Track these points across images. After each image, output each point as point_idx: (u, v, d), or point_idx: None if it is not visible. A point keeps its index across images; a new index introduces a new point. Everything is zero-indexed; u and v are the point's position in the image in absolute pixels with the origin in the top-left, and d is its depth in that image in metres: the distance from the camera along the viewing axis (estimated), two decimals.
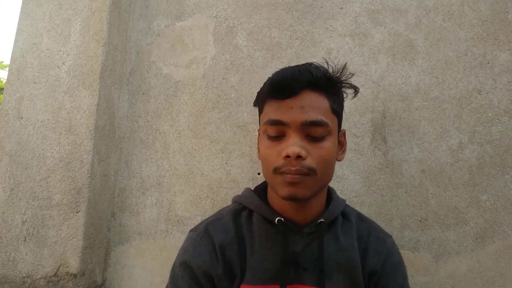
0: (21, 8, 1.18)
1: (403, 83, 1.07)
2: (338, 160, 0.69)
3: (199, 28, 1.19)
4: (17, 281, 0.99)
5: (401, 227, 0.99)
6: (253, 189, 0.76)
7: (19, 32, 1.16)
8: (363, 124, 1.06)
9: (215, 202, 1.07)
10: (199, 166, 1.10)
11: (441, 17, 1.09)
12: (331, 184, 1.02)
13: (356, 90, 0.71)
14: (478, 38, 1.06)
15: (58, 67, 1.10)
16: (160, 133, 1.15)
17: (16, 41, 1.15)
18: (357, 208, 1.00)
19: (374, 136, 1.05)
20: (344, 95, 0.72)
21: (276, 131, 0.63)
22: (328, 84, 0.65)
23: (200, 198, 1.09)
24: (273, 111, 0.64)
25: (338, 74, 0.67)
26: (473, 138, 1.01)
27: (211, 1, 1.20)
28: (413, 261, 0.97)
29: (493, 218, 0.97)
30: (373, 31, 1.11)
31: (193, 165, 1.11)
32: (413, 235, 0.99)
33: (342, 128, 0.71)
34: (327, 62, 0.67)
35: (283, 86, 0.62)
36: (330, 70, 0.66)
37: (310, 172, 0.60)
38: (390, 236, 0.74)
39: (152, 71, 1.20)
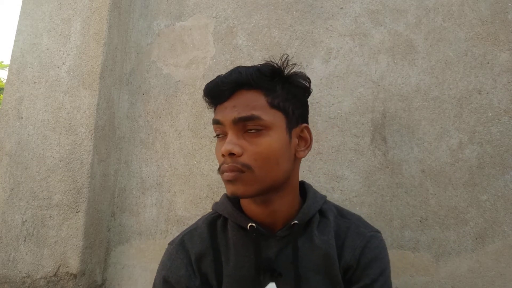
0: (21, 8, 1.18)
1: (403, 83, 1.07)
2: (300, 157, 0.67)
3: (199, 28, 1.19)
4: (17, 281, 0.99)
5: (401, 227, 0.99)
6: None
7: (19, 32, 1.16)
8: (363, 124, 1.06)
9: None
10: (199, 166, 1.10)
11: (441, 17, 1.09)
12: (331, 184, 1.03)
13: (307, 80, 0.69)
14: (478, 38, 1.06)
15: (58, 67, 1.10)
16: (160, 133, 1.15)
17: (16, 41, 1.15)
18: (357, 208, 1.01)
19: (374, 136, 1.05)
20: (311, 90, 0.71)
21: (219, 131, 0.65)
22: (262, 81, 0.63)
23: (200, 198, 1.09)
24: (216, 113, 0.66)
25: (277, 70, 0.66)
26: (473, 138, 1.01)
27: (211, 1, 1.20)
28: (413, 261, 0.97)
29: (493, 218, 0.97)
30: (373, 31, 1.11)
31: (193, 165, 1.11)
32: (413, 235, 0.99)
33: (303, 123, 0.69)
34: (271, 60, 0.67)
35: (215, 91, 0.65)
36: (276, 67, 0.66)
37: (244, 168, 0.59)
38: (377, 231, 0.70)
39: (152, 71, 1.20)
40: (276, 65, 0.66)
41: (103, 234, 1.10)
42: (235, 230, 0.68)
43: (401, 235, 0.99)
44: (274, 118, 0.62)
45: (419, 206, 1.00)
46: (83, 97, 1.07)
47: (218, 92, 0.64)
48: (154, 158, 1.14)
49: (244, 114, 0.61)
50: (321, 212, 0.70)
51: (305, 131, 0.68)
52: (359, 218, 0.72)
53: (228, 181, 0.60)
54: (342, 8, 1.13)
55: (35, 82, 1.11)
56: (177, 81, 1.17)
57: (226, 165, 0.60)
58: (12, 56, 1.15)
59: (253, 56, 1.14)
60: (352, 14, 1.12)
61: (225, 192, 0.75)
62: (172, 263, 0.67)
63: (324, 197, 0.72)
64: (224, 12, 1.19)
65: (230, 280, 0.64)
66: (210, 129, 1.12)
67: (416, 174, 1.01)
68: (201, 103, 1.14)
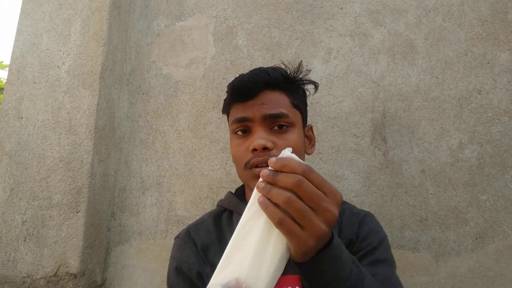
0: (21, 8, 1.18)
1: (403, 83, 1.07)
2: (308, 154, 0.73)
3: (199, 28, 1.19)
4: (17, 281, 0.99)
5: (401, 227, 0.99)
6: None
7: (19, 32, 1.16)
8: (363, 124, 1.06)
9: (215, 202, 1.07)
10: (199, 166, 1.10)
11: (441, 17, 1.09)
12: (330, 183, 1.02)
13: (315, 85, 0.76)
14: (478, 38, 1.06)
15: (58, 67, 1.10)
16: (160, 133, 1.15)
17: (16, 41, 1.15)
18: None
19: (374, 136, 1.05)
20: (307, 92, 0.77)
21: (242, 127, 0.67)
22: (285, 82, 0.70)
23: (200, 198, 1.09)
24: (238, 111, 0.68)
25: (295, 73, 0.72)
26: (473, 138, 1.01)
27: (211, 1, 1.20)
28: (413, 261, 0.97)
29: (493, 218, 0.97)
30: (373, 31, 1.11)
31: (193, 165, 1.11)
32: (413, 235, 0.99)
33: (308, 123, 0.76)
34: (284, 64, 0.73)
35: (243, 89, 0.68)
36: (289, 71, 0.72)
37: None
38: (368, 212, 0.74)
39: (152, 71, 1.20)
40: (294, 69, 0.71)
41: (103, 234, 1.10)
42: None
43: (401, 235, 0.99)
44: (295, 116, 0.68)
45: (419, 206, 1.00)
46: (83, 97, 1.07)
47: (246, 90, 0.67)
48: (154, 158, 1.14)
49: (274, 111, 0.65)
50: None
51: (310, 131, 0.76)
52: (351, 205, 0.78)
53: (259, 176, 0.62)
54: (342, 8, 1.13)
55: (35, 82, 1.11)
56: (177, 81, 1.17)
57: (260, 159, 0.62)
58: (12, 56, 1.15)
59: (253, 56, 1.14)
60: (352, 14, 1.12)
61: (229, 190, 0.79)
62: (182, 253, 0.69)
63: None
64: (224, 12, 1.19)
65: None
66: (210, 129, 1.12)
67: (416, 174, 1.01)
68: (201, 103, 1.14)
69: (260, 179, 0.44)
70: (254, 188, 0.62)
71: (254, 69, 0.71)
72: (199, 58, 1.17)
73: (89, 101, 1.06)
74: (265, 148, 0.62)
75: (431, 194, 1.00)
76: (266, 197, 0.43)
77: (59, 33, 1.13)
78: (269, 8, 1.16)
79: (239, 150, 0.67)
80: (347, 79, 1.09)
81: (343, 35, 1.12)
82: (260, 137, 0.63)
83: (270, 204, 0.43)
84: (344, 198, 1.02)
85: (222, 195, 1.07)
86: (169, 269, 0.71)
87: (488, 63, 1.05)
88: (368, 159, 1.04)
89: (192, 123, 1.13)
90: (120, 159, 1.16)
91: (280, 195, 0.42)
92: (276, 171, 0.43)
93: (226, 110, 0.74)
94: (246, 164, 0.64)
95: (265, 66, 1.14)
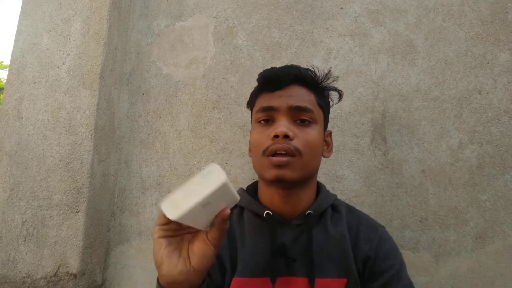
0: (21, 8, 1.18)
1: (403, 83, 1.07)
2: (325, 157, 0.75)
3: (199, 28, 1.19)
4: (17, 281, 0.99)
5: (401, 227, 0.99)
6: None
7: (19, 32, 1.16)
8: (363, 124, 1.06)
9: None
10: (199, 166, 1.10)
11: (441, 17, 1.09)
12: (331, 184, 1.03)
13: (340, 93, 0.78)
14: (478, 38, 1.06)
15: (58, 67, 1.10)
16: (160, 133, 1.15)
17: (16, 41, 1.15)
18: (357, 208, 1.01)
19: (374, 136, 1.05)
20: (331, 102, 0.78)
21: (266, 116, 0.69)
22: (313, 82, 0.72)
23: None
24: (265, 100, 0.70)
25: (323, 78, 0.74)
26: (473, 138, 1.01)
27: (211, 1, 1.20)
28: (413, 261, 0.97)
29: (493, 218, 0.97)
30: (373, 31, 1.11)
31: (193, 165, 1.11)
32: (413, 235, 0.99)
33: (328, 129, 0.78)
34: (315, 68, 0.75)
35: (273, 79, 0.70)
36: (318, 74, 0.74)
37: (296, 152, 0.64)
38: (382, 226, 0.75)
39: (152, 71, 1.20)
40: (323, 75, 0.74)
41: (103, 234, 1.10)
42: (251, 218, 0.72)
43: (401, 235, 0.99)
44: (319, 115, 0.71)
45: (419, 206, 1.00)
46: (83, 97, 1.07)
47: (276, 80, 0.70)
48: (154, 158, 1.14)
49: (300, 104, 0.67)
50: (334, 207, 0.75)
51: (329, 136, 0.78)
52: (365, 214, 0.78)
53: (276, 166, 0.64)
54: (342, 8, 1.13)
55: (35, 82, 1.11)
56: (177, 81, 1.17)
57: (280, 145, 0.64)
58: (12, 56, 1.15)
59: (253, 56, 1.14)
60: (352, 14, 1.12)
61: (240, 187, 0.80)
62: None
63: (335, 195, 0.78)
64: (224, 12, 1.19)
65: (244, 264, 0.67)
66: (210, 129, 1.12)
67: (416, 174, 1.01)
68: (201, 103, 1.14)
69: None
70: (267, 177, 0.65)
71: (287, 64, 0.74)
72: (199, 58, 1.17)
73: (89, 101, 1.06)
74: (285, 137, 0.64)
75: (431, 194, 1.00)
76: None
77: (59, 33, 1.13)
78: (269, 8, 1.17)
79: (260, 137, 0.68)
80: (347, 79, 1.09)
81: (343, 35, 1.12)
82: (283, 125, 0.65)
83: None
84: (344, 198, 1.02)
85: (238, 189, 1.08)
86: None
87: (488, 63, 1.05)
88: (368, 159, 1.04)
89: (192, 123, 1.13)
90: (120, 159, 1.16)
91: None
92: None
93: (252, 100, 0.76)
94: (264, 151, 0.66)
95: (265, 66, 1.15)
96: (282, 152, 0.63)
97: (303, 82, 0.71)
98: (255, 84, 1.16)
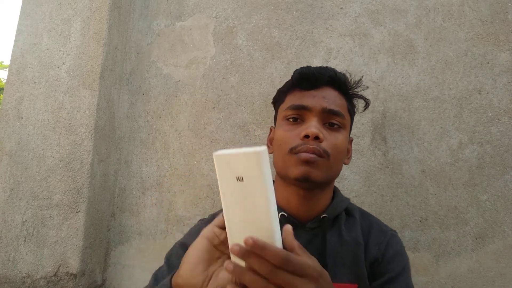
0: (21, 8, 1.18)
1: (403, 83, 1.07)
2: (345, 164, 0.74)
3: (199, 28, 1.19)
4: (17, 281, 0.99)
5: (401, 227, 0.99)
6: None
7: (19, 32, 1.16)
8: (363, 124, 1.06)
9: (215, 202, 1.07)
10: (199, 166, 1.10)
11: (441, 17, 1.09)
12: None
13: (367, 102, 0.78)
14: (478, 38, 1.06)
15: (58, 67, 1.10)
16: (160, 133, 1.15)
17: (16, 41, 1.15)
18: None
19: (374, 136, 1.05)
20: (355, 109, 0.78)
21: (296, 114, 0.68)
22: (346, 87, 0.72)
23: (200, 198, 1.09)
24: (297, 98, 0.69)
25: (355, 84, 0.74)
26: (473, 138, 1.01)
27: (211, 1, 1.20)
28: (413, 261, 0.97)
29: (493, 218, 0.97)
30: (373, 31, 1.11)
31: (193, 165, 1.11)
32: (413, 235, 0.99)
33: (350, 136, 0.77)
34: (348, 73, 0.75)
35: (310, 77, 0.69)
36: (350, 79, 0.74)
37: (324, 154, 0.64)
38: (393, 231, 0.75)
39: (152, 71, 1.20)
40: (355, 81, 0.74)
41: (103, 234, 1.10)
42: None
43: (401, 235, 0.98)
44: (347, 120, 0.71)
45: (419, 206, 1.00)
46: (83, 97, 1.07)
47: (312, 79, 0.69)
48: (154, 158, 1.14)
49: (334, 107, 0.67)
50: (348, 211, 0.74)
51: (350, 143, 0.77)
52: (377, 219, 0.78)
53: (304, 162, 0.63)
54: (342, 8, 1.13)
55: (35, 82, 1.11)
56: (177, 81, 1.17)
57: (310, 146, 0.63)
58: (12, 56, 1.15)
59: (253, 56, 1.14)
60: (352, 14, 1.12)
61: None
62: (197, 231, 0.69)
63: (349, 199, 0.77)
64: (224, 12, 1.19)
65: None
66: (210, 129, 1.12)
67: (416, 174, 1.01)
68: (201, 103, 1.14)
69: (229, 262, 0.41)
70: (293, 175, 0.64)
71: (322, 66, 0.74)
72: (199, 58, 1.17)
73: (89, 101, 1.06)
74: (316, 138, 0.64)
75: (431, 194, 1.00)
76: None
77: (59, 33, 1.13)
78: (269, 8, 1.16)
79: (288, 135, 0.67)
80: None
81: (343, 35, 1.12)
82: (314, 126, 0.64)
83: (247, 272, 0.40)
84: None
85: None
86: (174, 244, 0.72)
87: (488, 63, 1.05)
88: (368, 159, 1.04)
89: (192, 123, 1.13)
90: (120, 159, 1.16)
91: (256, 283, 0.39)
92: (249, 252, 0.39)
93: (281, 97, 0.75)
94: (292, 149, 0.65)
95: (265, 66, 1.14)
96: (310, 153, 0.63)
97: (337, 86, 0.71)
98: (255, 84, 1.16)
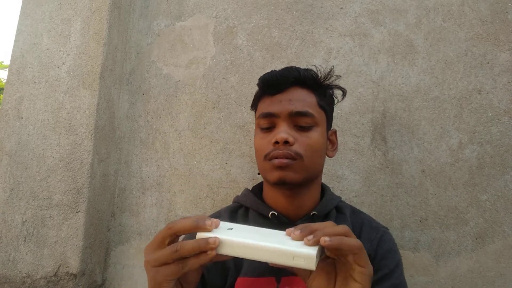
0: (21, 8, 1.18)
1: (403, 83, 1.07)
2: (330, 156, 0.76)
3: (199, 28, 1.19)
4: (17, 281, 0.99)
5: (401, 227, 0.99)
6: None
7: (19, 32, 1.16)
8: (363, 124, 1.06)
9: (215, 202, 1.07)
10: (199, 166, 1.10)
11: (441, 17, 1.09)
12: (331, 184, 1.03)
13: (343, 91, 0.78)
14: (478, 38, 1.06)
15: (58, 67, 1.10)
16: (160, 133, 1.15)
17: (16, 41, 1.15)
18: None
19: (374, 136, 1.05)
20: (335, 100, 0.78)
21: (268, 123, 0.70)
22: (314, 83, 0.72)
23: (200, 198, 1.09)
24: (265, 106, 0.71)
25: (325, 77, 0.74)
26: (473, 138, 1.01)
27: (211, 1, 1.20)
28: (413, 261, 0.97)
29: (493, 218, 0.97)
30: (373, 31, 1.11)
31: (193, 165, 1.11)
32: (413, 235, 0.99)
33: (333, 128, 0.78)
34: (316, 67, 0.75)
35: (273, 82, 0.70)
36: (319, 74, 0.73)
37: (297, 156, 0.65)
38: (385, 227, 0.75)
39: (152, 71, 1.20)
40: (325, 74, 0.74)
41: (103, 234, 1.10)
42: (256, 219, 0.72)
43: (401, 235, 0.99)
44: (320, 117, 0.70)
45: (419, 206, 1.00)
46: (83, 97, 1.07)
47: (276, 83, 0.70)
48: (154, 158, 1.14)
49: (300, 109, 0.67)
50: (338, 209, 0.75)
51: (334, 135, 0.78)
52: (369, 216, 0.78)
53: (278, 168, 0.65)
54: (342, 8, 1.13)
55: (35, 82, 1.11)
56: (177, 81, 1.17)
57: (280, 151, 0.64)
58: (12, 56, 1.15)
59: (253, 56, 1.14)
60: (352, 14, 1.12)
61: (247, 187, 0.81)
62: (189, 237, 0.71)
63: (340, 197, 0.78)
64: (224, 12, 1.19)
65: (249, 264, 0.67)
66: (210, 129, 1.12)
67: (416, 174, 1.01)
68: (201, 103, 1.14)
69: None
70: (271, 179, 0.66)
71: (286, 66, 0.74)
72: (199, 58, 1.17)
73: (89, 101, 1.06)
74: (286, 142, 0.65)
75: (431, 194, 1.00)
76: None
77: (59, 33, 1.13)
78: (269, 8, 1.17)
79: (262, 143, 0.69)
80: (347, 79, 1.09)
81: (343, 35, 1.12)
82: (283, 131, 0.66)
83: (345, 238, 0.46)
84: (344, 198, 1.02)
85: (222, 195, 1.08)
86: None
87: (488, 63, 1.05)
88: (368, 159, 1.04)
89: (192, 123, 1.13)
90: (120, 159, 1.16)
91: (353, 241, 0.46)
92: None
93: (255, 103, 0.77)
94: (266, 156, 0.67)
95: (265, 66, 1.14)
96: (282, 158, 0.65)
97: (303, 84, 0.71)
98: (255, 84, 1.16)
